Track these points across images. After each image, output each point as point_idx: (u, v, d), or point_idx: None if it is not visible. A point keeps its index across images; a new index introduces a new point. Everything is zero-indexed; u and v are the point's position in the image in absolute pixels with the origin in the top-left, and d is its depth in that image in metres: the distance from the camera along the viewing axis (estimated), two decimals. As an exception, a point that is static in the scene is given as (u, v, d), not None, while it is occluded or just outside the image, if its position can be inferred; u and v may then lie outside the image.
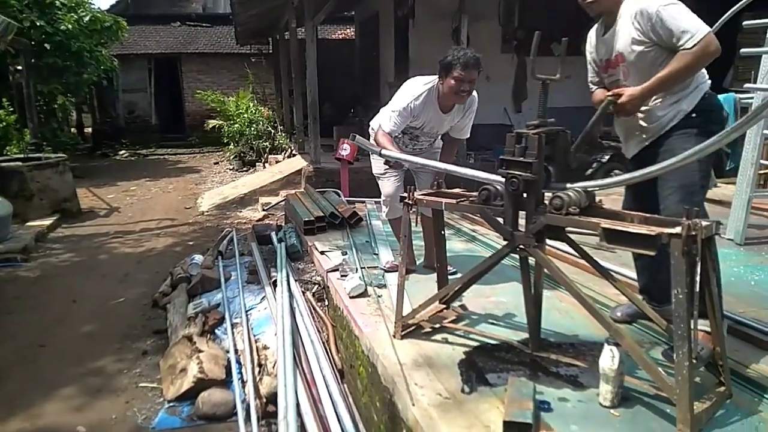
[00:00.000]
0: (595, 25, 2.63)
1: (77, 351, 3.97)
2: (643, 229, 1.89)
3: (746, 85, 4.09)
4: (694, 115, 2.39)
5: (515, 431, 1.88)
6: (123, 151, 15.79)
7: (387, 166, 3.53)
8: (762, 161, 4.30)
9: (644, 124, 2.50)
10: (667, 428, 1.94)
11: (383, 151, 3.18)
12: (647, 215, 2.11)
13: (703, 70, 2.42)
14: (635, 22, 2.34)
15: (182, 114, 17.86)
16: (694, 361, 1.88)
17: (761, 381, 2.22)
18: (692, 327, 1.85)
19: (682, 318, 1.82)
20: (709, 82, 2.46)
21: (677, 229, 1.83)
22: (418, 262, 3.78)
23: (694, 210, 1.86)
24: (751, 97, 3.93)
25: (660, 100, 2.42)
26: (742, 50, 4.11)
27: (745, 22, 4.04)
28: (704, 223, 1.85)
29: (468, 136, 3.62)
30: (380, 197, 3.76)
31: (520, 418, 1.90)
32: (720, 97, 4.34)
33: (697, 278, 1.87)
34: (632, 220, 2.08)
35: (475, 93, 3.33)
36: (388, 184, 3.63)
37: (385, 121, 3.36)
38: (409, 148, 3.56)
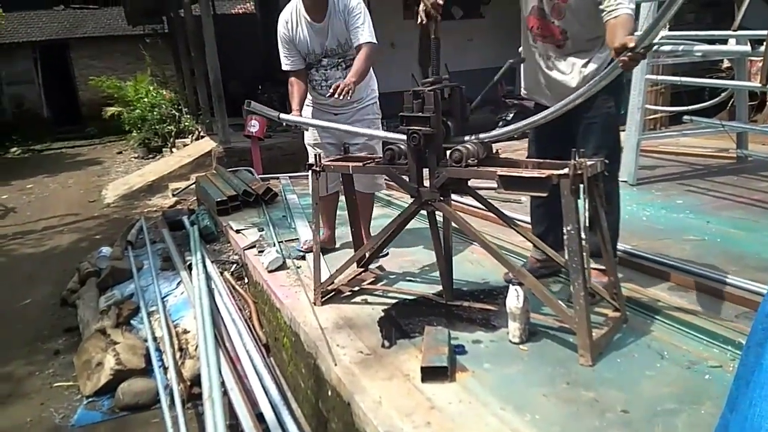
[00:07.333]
0: None
1: (-20, 360, 3.73)
2: (535, 173, 2.00)
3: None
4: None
5: (432, 375, 1.97)
6: (14, 149, 14.64)
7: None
8: (648, 106, 4.60)
9: (572, 85, 2.39)
10: (571, 356, 2.08)
11: (281, 116, 3.03)
12: (540, 161, 2.23)
13: None
14: None
15: (77, 104, 16.76)
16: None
17: (652, 304, 2.42)
18: (585, 260, 1.99)
19: (575, 252, 1.95)
20: None
21: (565, 170, 1.94)
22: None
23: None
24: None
25: (585, 60, 2.40)
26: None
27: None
28: (589, 162, 1.98)
29: (371, 38, 3.10)
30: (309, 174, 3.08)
31: (436, 363, 1.99)
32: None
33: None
34: (527, 167, 2.20)
35: None
36: None
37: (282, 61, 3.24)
38: (326, 93, 3.06)
